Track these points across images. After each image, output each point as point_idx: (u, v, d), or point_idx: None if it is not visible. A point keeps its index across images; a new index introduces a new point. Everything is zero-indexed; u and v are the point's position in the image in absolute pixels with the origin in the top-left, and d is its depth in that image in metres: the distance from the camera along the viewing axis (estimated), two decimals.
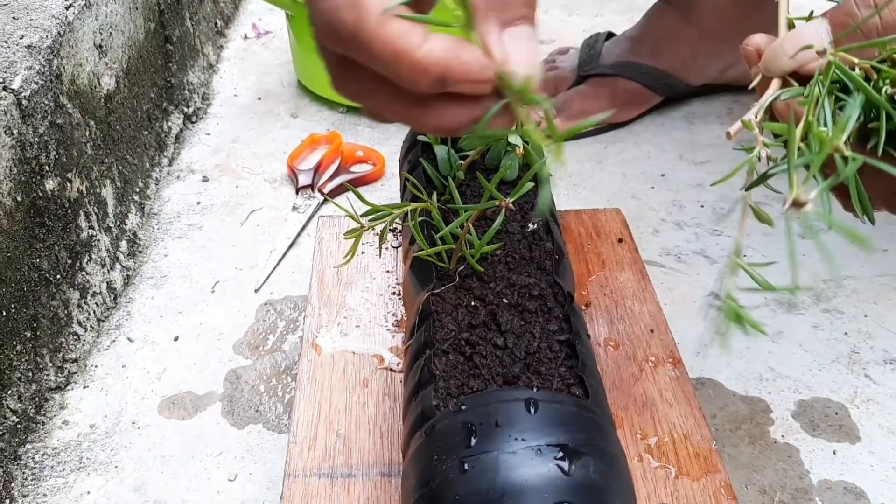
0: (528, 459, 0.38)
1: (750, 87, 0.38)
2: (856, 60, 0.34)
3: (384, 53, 0.29)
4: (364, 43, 0.29)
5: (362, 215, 0.48)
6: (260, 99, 1.01)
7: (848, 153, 0.30)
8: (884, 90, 0.33)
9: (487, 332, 0.46)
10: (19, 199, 0.57)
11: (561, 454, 0.38)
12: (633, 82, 0.93)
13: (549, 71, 0.98)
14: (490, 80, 0.30)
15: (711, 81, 0.97)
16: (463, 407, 0.41)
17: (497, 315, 0.46)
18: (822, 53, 0.35)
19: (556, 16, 1.19)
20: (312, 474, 0.49)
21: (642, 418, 0.52)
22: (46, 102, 0.61)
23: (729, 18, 0.90)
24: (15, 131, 0.57)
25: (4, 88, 0.56)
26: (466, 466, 0.38)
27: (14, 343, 0.57)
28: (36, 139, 0.59)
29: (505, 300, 0.47)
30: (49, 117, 0.61)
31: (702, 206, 0.82)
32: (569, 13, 1.20)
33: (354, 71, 0.32)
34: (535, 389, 0.41)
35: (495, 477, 0.37)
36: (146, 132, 0.83)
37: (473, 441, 0.39)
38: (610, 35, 0.98)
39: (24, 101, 0.58)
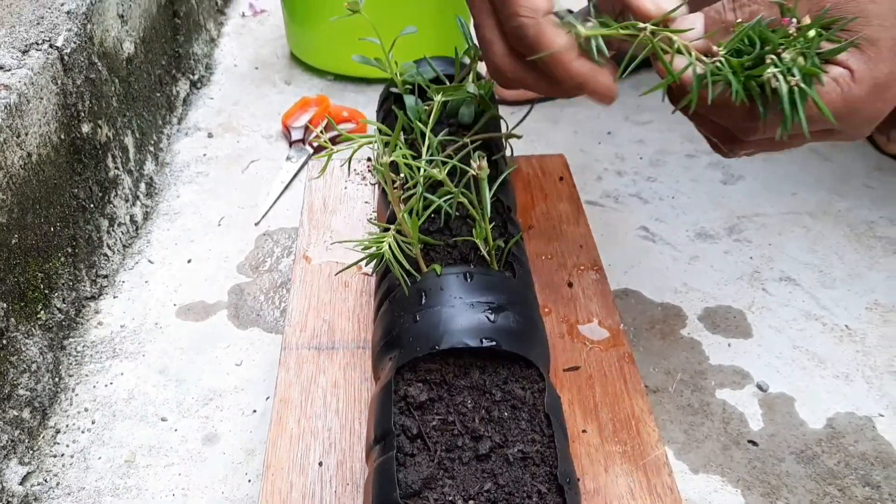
0: (464, 311, 0.51)
1: None
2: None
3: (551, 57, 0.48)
4: (540, 47, 0.48)
5: (335, 142, 0.60)
6: (257, 68, 1.14)
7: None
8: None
9: (441, 235, 0.58)
10: (62, 136, 0.70)
11: (489, 309, 0.51)
12: None
13: None
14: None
15: None
16: (417, 280, 0.53)
17: (449, 223, 0.59)
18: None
19: None
20: (303, 347, 0.62)
21: (567, 309, 0.65)
22: (82, 59, 0.73)
23: None
24: (59, 81, 0.69)
25: (51, 46, 0.69)
26: (418, 318, 0.51)
27: (59, 255, 0.69)
28: (74, 89, 0.72)
29: (457, 212, 0.60)
30: (84, 72, 0.74)
31: (640, 158, 0.95)
32: None
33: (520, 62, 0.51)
34: (471, 266, 0.54)
35: (438, 323, 0.50)
36: (158, 94, 0.96)
37: (423, 301, 0.52)
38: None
39: (65, 57, 0.70)
